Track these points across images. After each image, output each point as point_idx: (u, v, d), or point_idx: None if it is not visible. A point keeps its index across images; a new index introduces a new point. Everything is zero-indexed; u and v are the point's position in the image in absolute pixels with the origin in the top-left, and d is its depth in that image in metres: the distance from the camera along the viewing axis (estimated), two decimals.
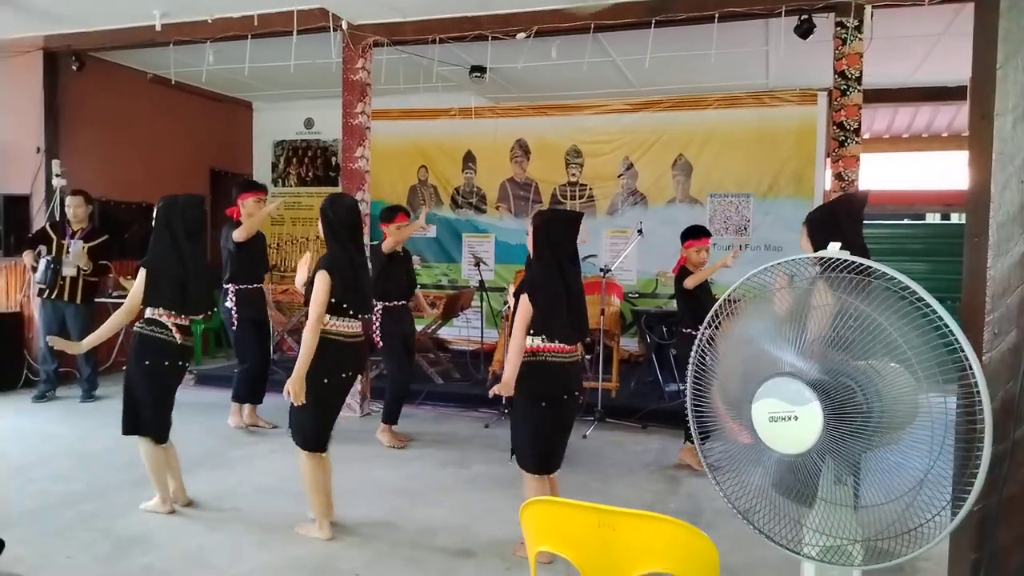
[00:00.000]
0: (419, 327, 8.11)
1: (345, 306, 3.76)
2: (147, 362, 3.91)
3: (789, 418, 1.51)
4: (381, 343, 5.51)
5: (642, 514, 1.67)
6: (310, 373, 3.64)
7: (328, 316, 3.73)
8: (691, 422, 1.87)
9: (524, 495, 3.48)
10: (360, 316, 3.90)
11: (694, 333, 4.32)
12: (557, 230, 3.57)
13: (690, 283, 4.96)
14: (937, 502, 1.40)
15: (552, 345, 3.47)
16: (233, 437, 5.76)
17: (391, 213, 5.59)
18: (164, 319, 3.94)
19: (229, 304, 5.77)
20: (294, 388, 3.60)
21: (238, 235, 5.63)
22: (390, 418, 5.71)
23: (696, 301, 4.90)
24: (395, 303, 5.54)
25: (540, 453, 3.55)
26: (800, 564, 1.67)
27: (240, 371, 5.97)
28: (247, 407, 6.01)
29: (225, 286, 5.79)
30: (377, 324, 5.47)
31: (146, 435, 4.07)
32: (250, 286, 5.84)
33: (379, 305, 5.45)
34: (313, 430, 3.81)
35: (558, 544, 1.77)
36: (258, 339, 5.98)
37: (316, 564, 3.56)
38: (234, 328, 5.84)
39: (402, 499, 4.50)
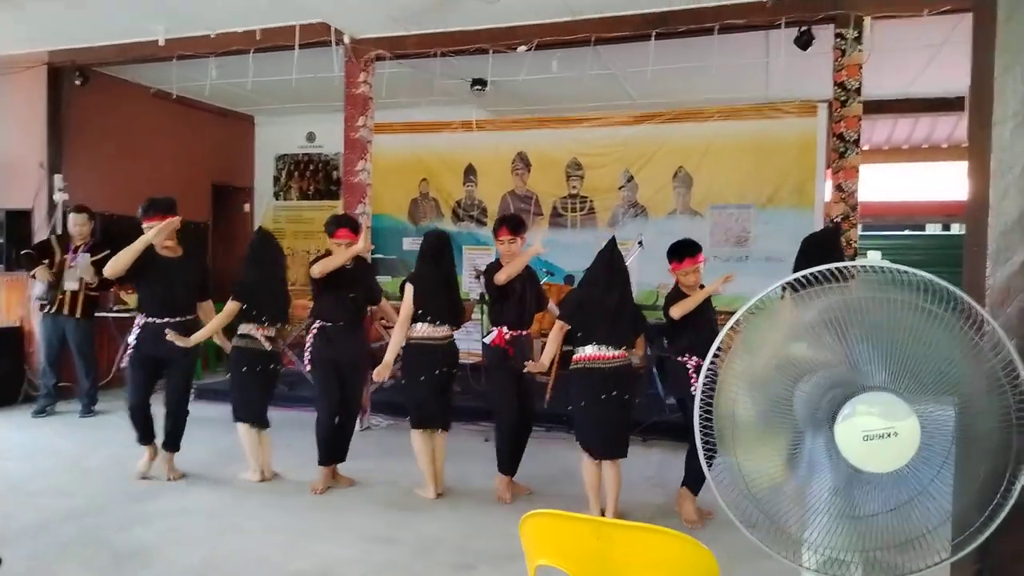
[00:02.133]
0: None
1: (423, 313, 4.64)
2: (244, 368, 4.87)
3: (887, 435, 1.45)
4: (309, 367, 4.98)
5: (641, 526, 1.65)
6: (408, 369, 4.68)
7: (415, 323, 4.65)
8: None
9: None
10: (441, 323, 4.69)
11: (681, 360, 4.35)
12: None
13: (676, 312, 4.31)
14: (936, 515, 1.39)
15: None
16: (231, 452, 5.73)
17: (333, 227, 4.88)
18: (255, 332, 4.85)
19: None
20: (380, 373, 4.60)
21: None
22: (322, 458, 4.90)
23: (687, 328, 4.32)
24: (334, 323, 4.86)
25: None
26: None
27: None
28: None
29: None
30: (308, 347, 4.93)
31: (246, 422, 4.97)
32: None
33: (316, 325, 4.91)
34: (415, 413, 4.72)
35: (556, 557, 1.76)
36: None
37: None
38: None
39: (401, 513, 4.48)
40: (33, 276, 6.66)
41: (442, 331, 4.73)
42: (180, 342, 4.79)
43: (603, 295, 4.27)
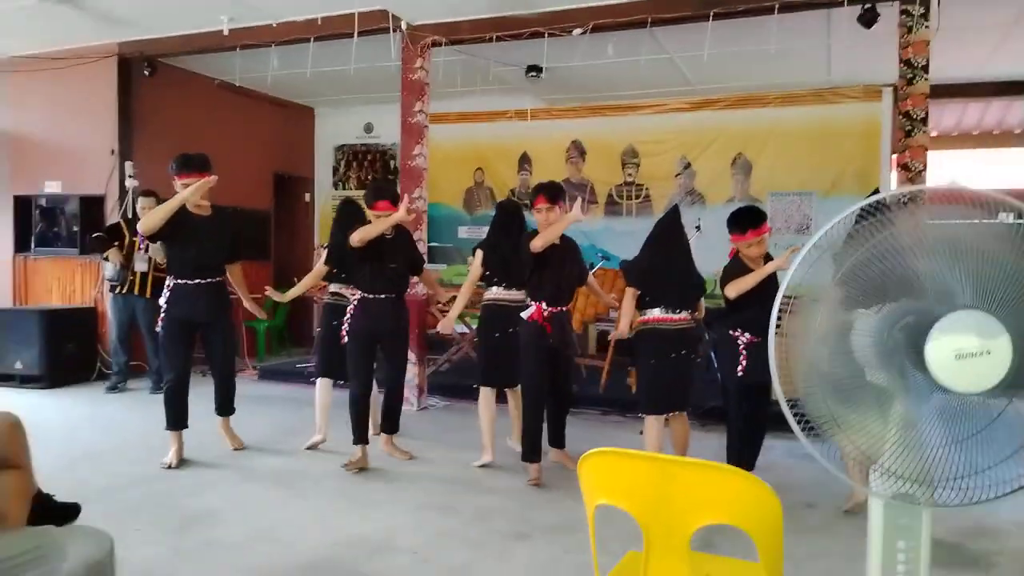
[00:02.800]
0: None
1: (493, 277, 4.89)
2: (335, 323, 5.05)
3: (981, 354, 1.41)
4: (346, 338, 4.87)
5: (705, 463, 1.64)
6: (480, 330, 5.00)
7: (490, 287, 4.94)
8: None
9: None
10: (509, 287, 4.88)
11: (733, 335, 4.23)
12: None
13: (732, 291, 4.08)
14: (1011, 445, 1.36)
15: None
16: (294, 427, 5.87)
17: (372, 198, 4.71)
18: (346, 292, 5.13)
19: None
20: (445, 327, 5.02)
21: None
22: (358, 436, 4.81)
23: (748, 306, 4.03)
24: (375, 295, 4.77)
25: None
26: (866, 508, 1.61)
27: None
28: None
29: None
30: (348, 319, 4.85)
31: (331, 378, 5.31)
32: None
33: (357, 294, 4.84)
34: (482, 372, 5.00)
35: (617, 497, 1.76)
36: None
37: (377, 542, 3.61)
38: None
39: (458, 485, 4.53)
40: (105, 258, 6.92)
41: (512, 295, 4.87)
42: (277, 297, 5.16)
43: (669, 260, 4.38)
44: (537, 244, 4.43)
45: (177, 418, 4.81)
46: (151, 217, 4.56)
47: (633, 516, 1.75)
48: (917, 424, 1.43)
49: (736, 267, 4.18)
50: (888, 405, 1.47)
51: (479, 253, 4.95)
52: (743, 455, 4.26)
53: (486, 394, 4.98)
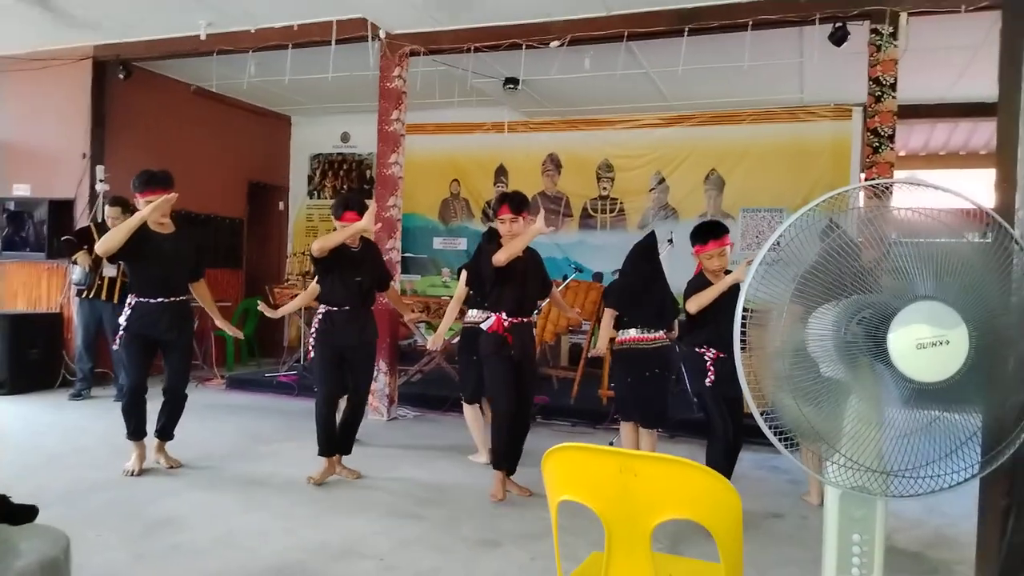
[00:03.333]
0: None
1: (473, 298, 4.95)
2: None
3: (941, 343, 1.44)
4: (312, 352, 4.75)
5: (665, 458, 1.65)
6: (460, 351, 5.14)
7: (471, 309, 5.07)
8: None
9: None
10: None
11: (699, 351, 4.20)
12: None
13: (692, 307, 4.06)
14: (967, 431, 1.38)
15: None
16: (261, 435, 5.81)
17: (340, 209, 4.66)
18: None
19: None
20: (435, 343, 5.05)
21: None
22: (321, 448, 4.68)
23: (708, 320, 4.03)
24: (339, 308, 4.67)
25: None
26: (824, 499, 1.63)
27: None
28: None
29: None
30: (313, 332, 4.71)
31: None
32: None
33: (321, 309, 4.69)
34: (463, 390, 5.23)
35: (580, 492, 1.76)
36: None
37: (342, 548, 3.57)
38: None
39: (428, 493, 4.50)
40: (74, 261, 6.81)
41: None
42: (268, 313, 5.09)
43: (646, 283, 4.61)
44: (500, 258, 4.28)
45: (136, 428, 4.69)
46: (109, 239, 4.38)
47: (595, 511, 1.75)
48: (872, 415, 1.45)
49: (698, 282, 4.16)
50: (844, 398, 1.49)
51: (464, 274, 4.94)
52: (726, 471, 4.16)
53: (470, 409, 5.22)
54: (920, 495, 1.40)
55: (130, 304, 4.66)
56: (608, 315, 4.68)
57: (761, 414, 1.65)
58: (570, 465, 1.77)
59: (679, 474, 1.66)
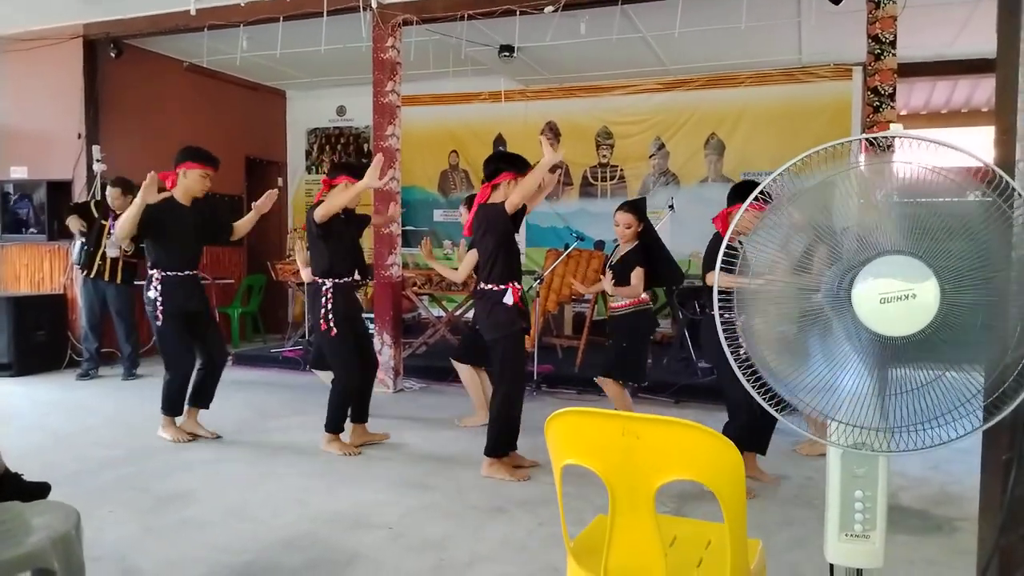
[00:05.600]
0: (439, 312, 8.17)
1: None
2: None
3: (906, 296, 1.42)
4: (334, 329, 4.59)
5: (667, 420, 1.66)
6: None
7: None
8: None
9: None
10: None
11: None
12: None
13: (724, 282, 4.11)
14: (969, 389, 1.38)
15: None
16: (268, 410, 5.85)
17: (334, 172, 4.69)
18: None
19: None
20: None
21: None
22: (332, 425, 4.70)
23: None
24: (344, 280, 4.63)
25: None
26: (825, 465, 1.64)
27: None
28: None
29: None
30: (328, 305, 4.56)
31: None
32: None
33: (328, 283, 4.58)
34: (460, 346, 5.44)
35: (583, 455, 1.77)
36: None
37: (353, 518, 3.61)
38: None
39: (435, 463, 4.54)
40: (67, 226, 6.82)
41: None
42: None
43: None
44: (515, 200, 4.03)
45: (182, 403, 4.93)
46: (121, 229, 4.64)
47: (598, 474, 1.76)
48: (865, 372, 1.46)
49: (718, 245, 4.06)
50: (840, 353, 1.49)
51: (473, 252, 4.67)
52: (749, 441, 4.00)
53: (465, 369, 5.34)
54: (922, 449, 1.41)
55: (158, 279, 4.70)
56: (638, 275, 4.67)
57: (752, 382, 1.65)
58: (573, 429, 1.79)
59: (681, 435, 1.67)
